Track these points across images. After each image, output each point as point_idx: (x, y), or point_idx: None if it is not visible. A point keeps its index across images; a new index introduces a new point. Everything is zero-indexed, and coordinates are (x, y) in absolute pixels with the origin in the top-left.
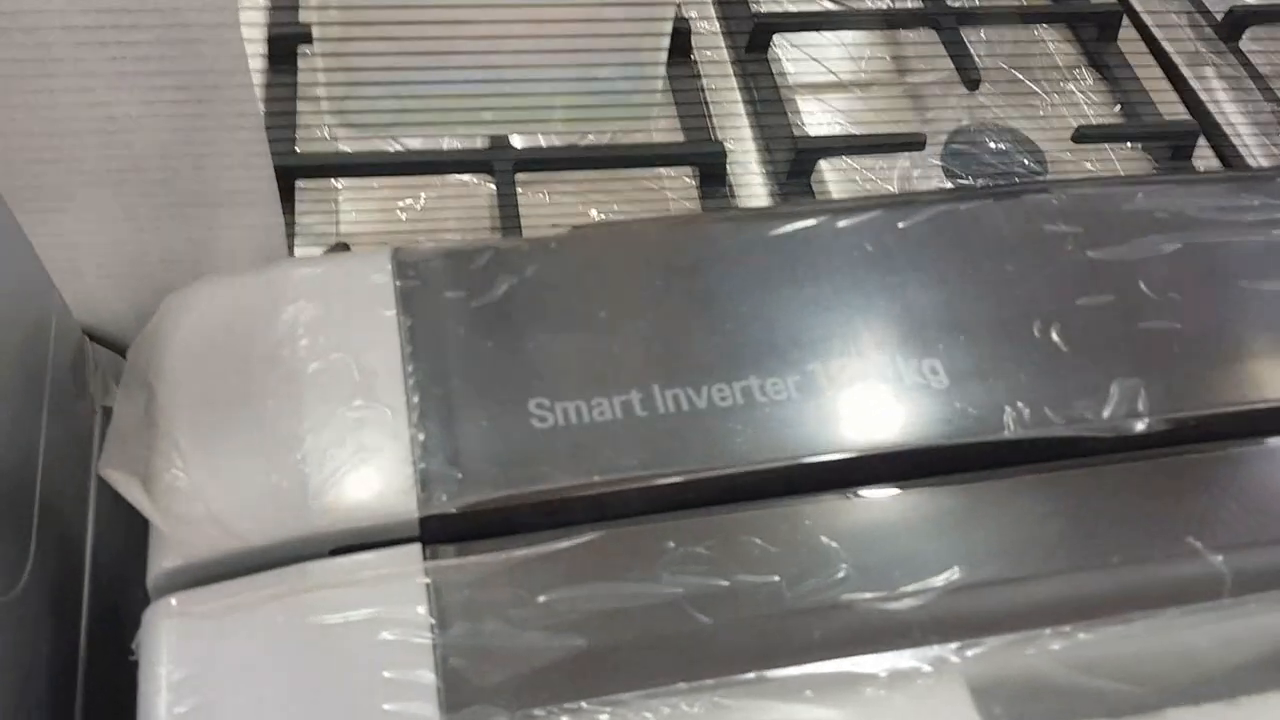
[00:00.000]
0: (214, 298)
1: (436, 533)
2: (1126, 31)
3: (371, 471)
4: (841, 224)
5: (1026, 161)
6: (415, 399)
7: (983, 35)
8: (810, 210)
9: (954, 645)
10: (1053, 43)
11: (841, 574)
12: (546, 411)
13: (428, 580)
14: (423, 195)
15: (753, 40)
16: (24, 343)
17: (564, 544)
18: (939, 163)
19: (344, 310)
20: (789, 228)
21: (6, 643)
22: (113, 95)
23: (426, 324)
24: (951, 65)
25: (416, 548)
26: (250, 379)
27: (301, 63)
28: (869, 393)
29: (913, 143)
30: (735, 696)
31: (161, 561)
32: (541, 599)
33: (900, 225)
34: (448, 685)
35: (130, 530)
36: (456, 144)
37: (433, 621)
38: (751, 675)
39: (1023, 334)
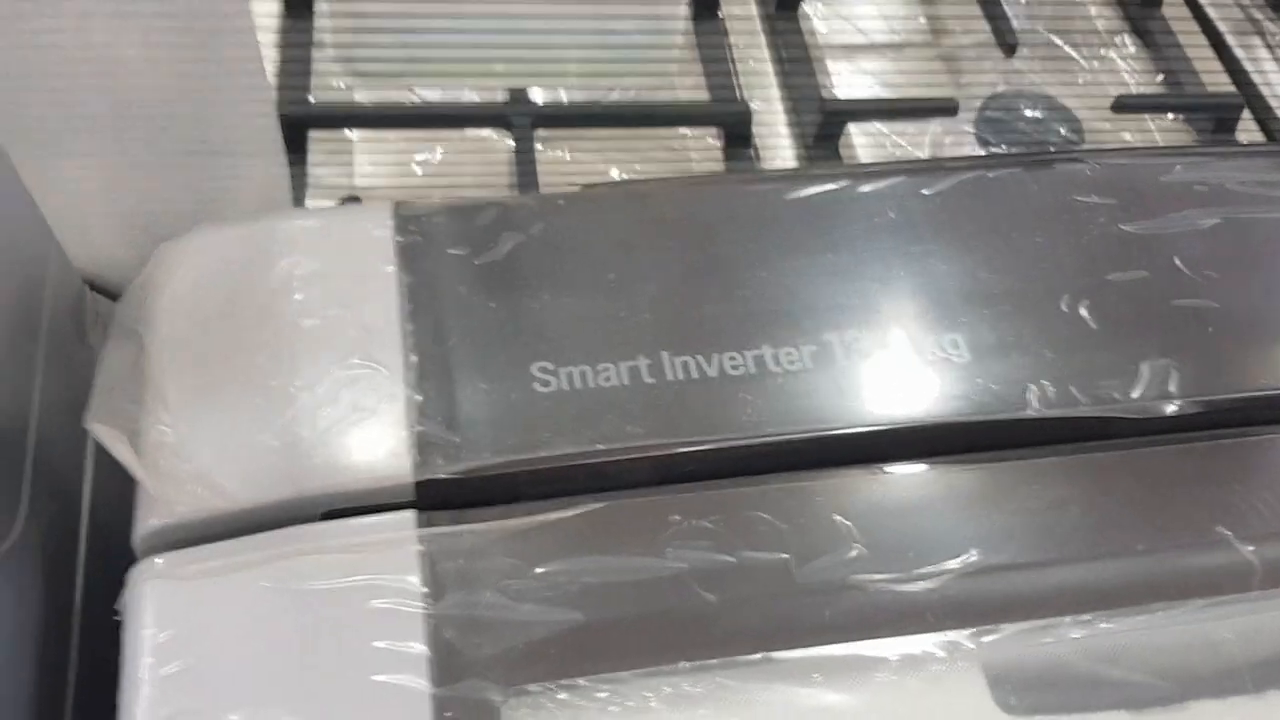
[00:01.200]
0: (209, 248)
1: (432, 499)
2: None
3: (366, 433)
4: (863, 189)
5: (1062, 130)
6: (414, 359)
7: None
8: (831, 174)
9: (969, 631)
10: (1094, 7)
11: (853, 553)
12: (550, 375)
13: (421, 548)
14: (439, 149)
15: None
16: (18, 289)
17: (564, 514)
18: (972, 130)
19: (342, 265)
20: (808, 191)
21: None
22: (111, 37)
23: (427, 281)
24: (988, 28)
25: (411, 514)
26: (243, 333)
27: (318, 9)
28: (887, 365)
29: (945, 108)
30: (740, 678)
31: (148, 520)
32: (539, 570)
33: (925, 192)
34: (439, 657)
35: (131, 484)
36: (475, 97)
37: (425, 591)
38: (758, 656)
39: (1050, 309)
